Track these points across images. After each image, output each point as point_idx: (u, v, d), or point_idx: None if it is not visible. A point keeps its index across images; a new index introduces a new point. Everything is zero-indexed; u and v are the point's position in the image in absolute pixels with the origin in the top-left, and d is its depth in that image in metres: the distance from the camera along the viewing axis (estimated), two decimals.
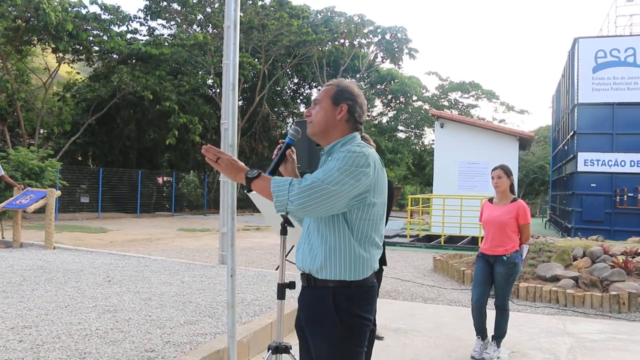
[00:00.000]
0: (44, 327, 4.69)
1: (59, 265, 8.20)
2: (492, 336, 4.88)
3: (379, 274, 4.63)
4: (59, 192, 10.93)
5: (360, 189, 2.12)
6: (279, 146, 2.43)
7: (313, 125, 2.32)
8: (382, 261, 4.62)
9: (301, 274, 2.32)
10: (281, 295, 3.49)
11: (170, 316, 5.18)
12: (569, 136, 19.33)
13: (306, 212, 2.11)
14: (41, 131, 23.79)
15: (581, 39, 17.83)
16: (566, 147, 20.64)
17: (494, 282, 4.80)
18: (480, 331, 4.88)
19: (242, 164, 2.24)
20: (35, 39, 21.71)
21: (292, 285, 2.77)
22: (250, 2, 25.98)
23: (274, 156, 2.42)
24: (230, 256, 4.15)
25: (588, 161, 17.14)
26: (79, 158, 28.56)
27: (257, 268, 9.08)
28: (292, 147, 2.47)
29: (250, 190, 2.19)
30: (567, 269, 8.07)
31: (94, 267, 8.10)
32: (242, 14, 25.49)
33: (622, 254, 8.26)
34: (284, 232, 3.56)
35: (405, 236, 15.87)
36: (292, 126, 2.47)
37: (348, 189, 2.07)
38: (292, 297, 5.46)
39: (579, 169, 17.25)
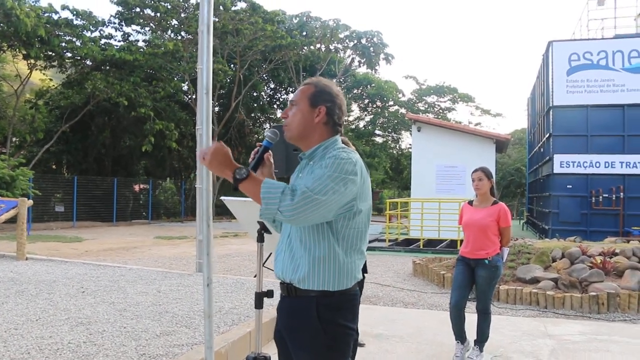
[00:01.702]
0: (13, 343, 4.51)
1: (31, 276, 7.98)
2: (475, 340, 4.82)
3: (361, 282, 4.56)
4: (30, 202, 10.67)
5: (349, 197, 2.03)
6: (256, 149, 2.31)
7: (290, 128, 2.21)
8: (364, 269, 4.54)
9: (280, 283, 2.22)
10: (259, 305, 3.38)
11: (145, 327, 5.04)
12: (544, 138, 19.52)
13: (294, 223, 2.02)
14: (13, 139, 23.27)
15: (555, 42, 18.04)
16: (542, 150, 20.84)
17: (476, 285, 4.74)
18: (459, 335, 4.82)
19: (232, 159, 2.06)
20: (5, 45, 21.25)
21: (270, 294, 2.67)
22: (222, 8, 25.79)
23: (250, 159, 2.29)
24: (206, 265, 4.02)
25: (564, 163, 17.31)
26: (53, 166, 28.02)
27: (235, 275, 8.94)
28: (270, 151, 2.36)
29: (236, 188, 2.04)
30: (546, 271, 8.09)
31: (67, 277, 7.89)
32: (216, 19, 25.31)
33: (600, 254, 8.30)
34: (260, 239, 3.46)
35: (384, 240, 15.83)
36: (270, 129, 2.35)
37: (338, 197, 1.98)
38: (271, 305, 5.34)
39: (555, 171, 17.41)
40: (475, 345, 4.82)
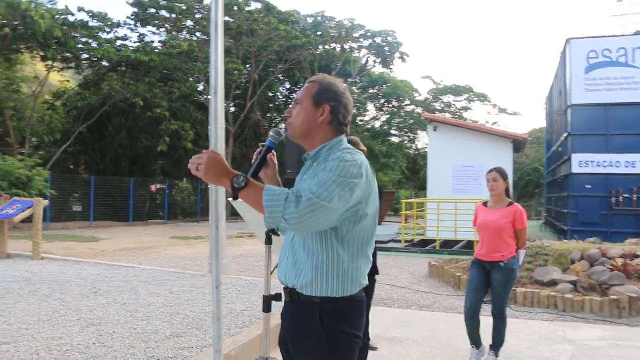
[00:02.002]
0: (23, 343, 4.49)
1: (45, 276, 8.00)
2: (491, 345, 4.70)
3: (371, 284, 4.47)
4: (46, 202, 10.73)
5: (354, 201, 1.94)
6: (258, 149, 2.23)
7: (293, 127, 2.13)
8: (375, 270, 4.45)
9: (284, 288, 2.15)
10: (267, 308, 3.30)
11: (156, 329, 4.99)
12: (563, 138, 19.23)
13: (299, 231, 1.94)
14: (32, 140, 23.52)
15: (573, 40, 17.76)
16: (560, 149, 20.55)
17: (491, 289, 4.62)
18: (475, 340, 4.70)
19: (228, 168, 1.96)
20: (23, 47, 21.47)
21: (279, 297, 2.59)
22: (237, 8, 25.82)
23: (253, 160, 2.21)
24: (215, 267, 3.97)
25: (582, 162, 17.03)
26: (71, 167, 28.26)
27: (249, 277, 8.87)
28: (274, 151, 2.27)
29: (236, 198, 1.95)
30: (565, 273, 7.91)
31: (81, 278, 7.90)
32: (231, 20, 25.36)
33: (621, 256, 8.10)
34: (269, 241, 3.38)
35: (400, 241, 15.69)
36: (274, 128, 2.27)
37: (343, 203, 1.89)
38: (281, 308, 5.27)
39: (573, 171, 17.14)
40: (490, 350, 4.70)
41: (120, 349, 4.36)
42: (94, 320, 5.27)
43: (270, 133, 2.23)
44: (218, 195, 4.26)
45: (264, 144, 2.22)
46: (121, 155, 28.75)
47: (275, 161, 2.31)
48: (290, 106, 2.23)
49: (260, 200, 1.88)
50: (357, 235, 2.02)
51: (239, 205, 3.55)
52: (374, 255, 4.50)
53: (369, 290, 4.33)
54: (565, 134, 18.30)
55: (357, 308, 2.06)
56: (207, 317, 5.50)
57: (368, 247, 2.08)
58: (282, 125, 2.31)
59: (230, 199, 2.02)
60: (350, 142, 4.32)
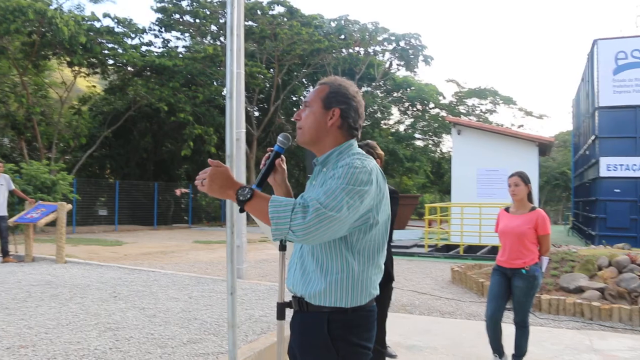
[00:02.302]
0: (41, 347, 4.50)
1: (67, 280, 8.06)
2: (513, 355, 4.57)
3: (388, 292, 4.38)
4: (69, 206, 10.83)
5: (364, 210, 1.87)
6: (267, 155, 2.16)
7: (302, 131, 2.06)
8: (390, 277, 4.36)
9: (292, 296, 2.08)
10: (281, 315, 3.24)
11: (173, 334, 4.97)
12: (590, 141, 18.86)
13: (307, 242, 1.85)
14: (59, 144, 23.94)
15: (600, 40, 17.40)
16: (588, 152, 20.16)
17: (512, 297, 4.49)
18: (497, 349, 4.58)
19: (233, 180, 1.90)
20: (51, 53, 21.85)
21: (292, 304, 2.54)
22: (260, 12, 25.93)
23: (261, 166, 2.15)
24: (230, 272, 3.92)
25: (611, 166, 16.66)
26: (97, 171, 28.68)
27: (270, 282, 8.82)
28: (282, 156, 2.20)
29: (242, 210, 1.89)
30: (591, 280, 7.70)
31: (101, 282, 7.94)
32: (254, 24, 25.49)
33: None
34: (282, 247, 3.32)
35: (423, 246, 15.53)
36: (283, 133, 2.20)
37: (353, 212, 1.82)
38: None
39: (601, 174, 16.78)
40: (512, 359, 4.57)
41: (136, 355, 4.34)
42: (112, 325, 5.27)
43: (279, 138, 2.16)
44: (231, 201, 4.22)
45: (272, 149, 2.15)
46: (146, 160, 29.08)
47: (284, 166, 2.24)
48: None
49: (266, 211, 1.81)
50: (367, 244, 1.94)
51: None
52: (390, 261, 4.41)
53: (385, 299, 4.25)
54: (593, 137, 17.93)
55: (367, 319, 1.99)
56: (224, 322, 5.46)
57: (379, 255, 2.00)
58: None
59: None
60: (367, 145, 4.25)
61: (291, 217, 1.77)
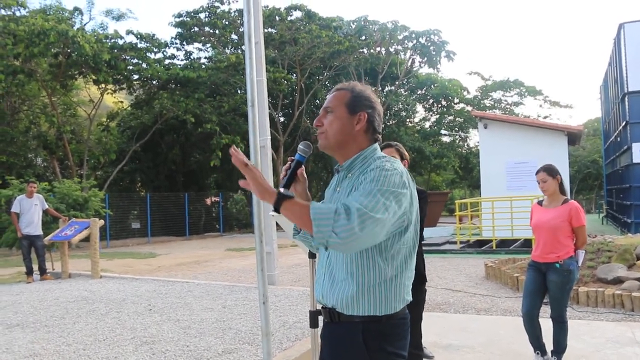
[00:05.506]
0: None
1: (103, 295, 8.18)
2: (552, 351, 4.47)
3: (421, 294, 4.33)
4: (101, 222, 11.02)
5: (401, 212, 1.84)
6: (287, 164, 2.11)
7: (327, 137, 2.03)
8: (422, 278, 4.31)
9: (322, 307, 2.05)
10: (314, 324, 3.22)
11: (208, 345, 5.00)
12: (621, 127, 18.46)
13: (349, 246, 1.76)
14: (90, 161, 24.40)
15: (627, 24, 17.02)
16: (619, 139, 19.73)
17: (548, 292, 4.40)
18: (537, 346, 4.48)
19: (268, 184, 1.91)
20: (77, 72, 22.30)
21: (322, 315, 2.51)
22: (279, 18, 26.03)
23: (282, 176, 2.09)
24: (261, 281, 3.93)
25: None
26: (127, 185, 29.12)
27: (303, 287, 8.82)
28: (303, 166, 2.15)
29: (277, 210, 1.85)
30: (630, 270, 7.51)
31: (137, 295, 8.04)
32: (274, 31, 25.60)
33: None
34: (312, 255, 3.29)
35: (455, 242, 15.38)
36: (303, 141, 2.16)
37: (392, 214, 1.79)
38: None
39: (634, 161, 16.40)
40: (552, 356, 4.47)
41: None
42: (148, 339, 5.33)
43: (300, 146, 2.11)
44: (261, 209, 4.24)
45: (293, 158, 2.12)
46: (175, 171, 29.42)
47: (305, 176, 2.19)
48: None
49: (308, 214, 1.78)
50: (400, 248, 1.91)
51: (281, 218, 3.51)
52: (422, 262, 4.36)
53: (419, 302, 4.20)
54: (623, 123, 17.54)
55: (401, 327, 1.95)
56: (259, 331, 5.46)
57: (411, 259, 1.97)
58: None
59: (271, 212, 1.92)
60: (389, 146, 4.20)
61: (334, 218, 1.73)
